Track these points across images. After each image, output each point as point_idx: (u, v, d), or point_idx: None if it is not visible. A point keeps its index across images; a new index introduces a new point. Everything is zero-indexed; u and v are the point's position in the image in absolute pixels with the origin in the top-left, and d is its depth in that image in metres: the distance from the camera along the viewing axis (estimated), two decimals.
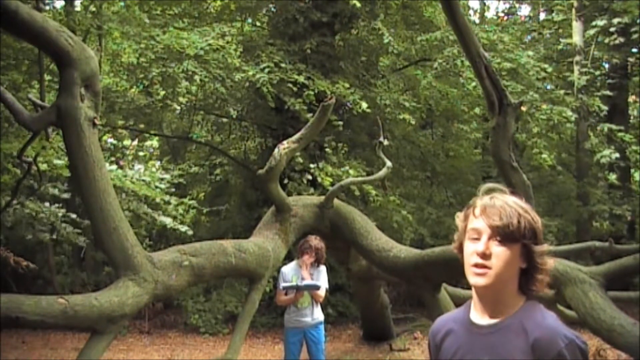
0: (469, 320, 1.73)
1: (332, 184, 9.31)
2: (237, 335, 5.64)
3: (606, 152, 11.98)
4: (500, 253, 1.62)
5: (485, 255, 1.63)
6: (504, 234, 1.62)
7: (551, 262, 1.67)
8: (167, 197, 9.25)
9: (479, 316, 1.71)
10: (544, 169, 12.73)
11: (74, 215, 9.28)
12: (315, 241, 6.13)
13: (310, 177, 9.91)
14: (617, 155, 11.95)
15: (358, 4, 10.28)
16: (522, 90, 10.74)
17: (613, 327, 4.96)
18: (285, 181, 10.06)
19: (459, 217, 1.74)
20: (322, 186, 9.72)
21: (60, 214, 9.12)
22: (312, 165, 9.92)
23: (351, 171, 9.88)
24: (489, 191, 1.71)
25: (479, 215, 1.66)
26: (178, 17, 11.96)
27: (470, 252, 1.66)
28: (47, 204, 9.20)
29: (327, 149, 10.30)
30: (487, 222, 1.64)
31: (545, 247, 1.66)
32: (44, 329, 9.14)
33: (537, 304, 1.68)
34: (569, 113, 11.05)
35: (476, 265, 1.64)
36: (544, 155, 10.76)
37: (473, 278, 1.66)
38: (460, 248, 1.72)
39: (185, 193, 12.54)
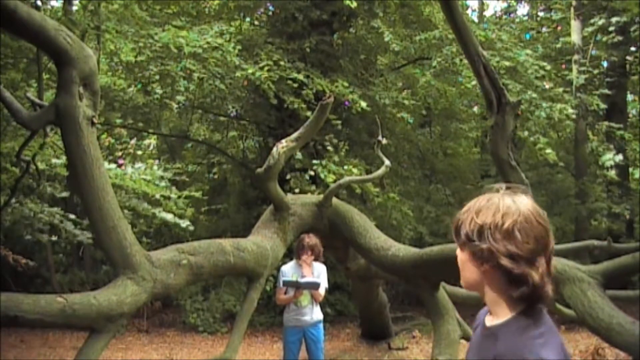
0: (485, 318, 1.68)
1: (335, 181, 9.30)
2: (235, 334, 5.63)
3: (609, 155, 11.92)
4: (458, 254, 1.62)
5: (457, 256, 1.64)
6: (455, 235, 1.60)
7: (534, 274, 1.47)
8: (167, 192, 9.21)
9: (489, 316, 1.66)
10: (543, 167, 12.74)
11: (73, 216, 9.27)
12: (307, 239, 6.14)
13: (312, 173, 9.85)
14: (621, 157, 11.89)
15: (355, 3, 10.26)
16: (520, 89, 10.74)
17: (611, 326, 4.96)
18: (288, 177, 10.06)
19: None
20: (324, 183, 9.70)
21: (59, 215, 9.10)
22: (315, 162, 9.89)
23: (354, 170, 9.85)
24: (493, 189, 1.61)
25: None
26: (176, 16, 11.95)
27: None
28: (46, 206, 9.16)
29: (328, 147, 10.27)
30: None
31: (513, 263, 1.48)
32: (43, 327, 9.16)
33: (532, 314, 1.53)
34: (570, 110, 11.04)
35: None
36: (548, 151, 10.70)
37: None
38: None
39: (182, 191, 12.52)
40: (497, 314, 1.58)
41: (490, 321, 1.61)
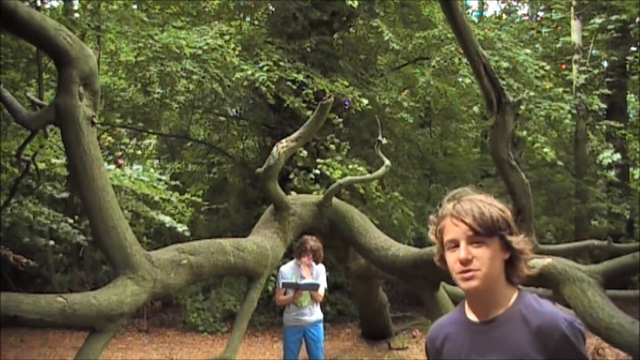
0: (467, 320, 1.74)
1: (342, 177, 9.25)
2: (235, 334, 5.63)
3: (607, 153, 11.92)
4: (481, 254, 1.65)
5: (468, 261, 1.66)
6: (479, 234, 1.65)
7: (529, 246, 1.70)
8: (167, 195, 9.22)
9: (475, 315, 1.73)
10: (542, 167, 12.71)
11: (71, 221, 9.26)
12: (311, 242, 6.14)
13: (318, 172, 9.80)
14: (619, 156, 11.88)
15: (356, 3, 10.24)
16: (519, 87, 10.72)
17: (611, 326, 4.95)
18: (291, 176, 10.04)
19: (432, 231, 1.79)
20: (329, 182, 9.61)
21: (59, 218, 9.09)
22: (320, 161, 9.85)
23: (360, 168, 9.80)
24: (452, 198, 1.74)
25: (450, 225, 1.70)
26: (176, 16, 11.95)
27: (453, 261, 1.69)
28: (45, 209, 9.14)
29: (331, 146, 10.23)
30: (460, 229, 1.67)
31: (520, 236, 1.70)
32: (43, 327, 9.14)
33: (529, 293, 1.72)
34: (567, 108, 11.03)
35: (463, 272, 1.67)
36: (546, 150, 10.70)
37: (464, 283, 1.68)
38: (442, 260, 1.76)
39: (183, 191, 12.53)
40: (497, 305, 1.69)
41: (482, 317, 1.71)
